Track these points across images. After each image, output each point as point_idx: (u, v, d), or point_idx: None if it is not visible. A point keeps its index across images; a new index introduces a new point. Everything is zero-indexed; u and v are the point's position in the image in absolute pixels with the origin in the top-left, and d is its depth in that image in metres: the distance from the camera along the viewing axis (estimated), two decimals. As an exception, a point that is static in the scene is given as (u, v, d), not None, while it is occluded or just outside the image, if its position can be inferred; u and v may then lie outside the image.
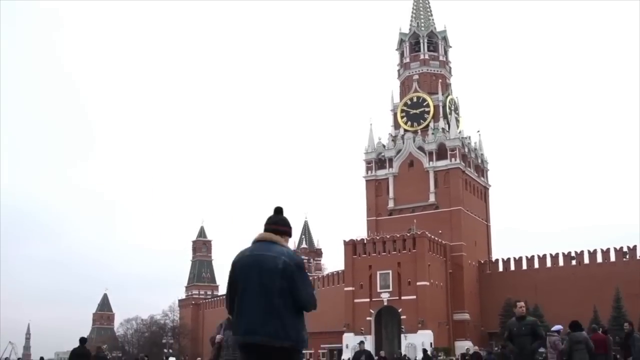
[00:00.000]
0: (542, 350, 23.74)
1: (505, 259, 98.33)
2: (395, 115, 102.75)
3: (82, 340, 22.04)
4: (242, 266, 6.55)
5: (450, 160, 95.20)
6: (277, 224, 6.78)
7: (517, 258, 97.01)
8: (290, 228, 6.86)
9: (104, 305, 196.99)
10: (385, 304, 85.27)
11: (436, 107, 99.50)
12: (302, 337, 6.40)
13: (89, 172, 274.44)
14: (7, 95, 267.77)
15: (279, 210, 6.90)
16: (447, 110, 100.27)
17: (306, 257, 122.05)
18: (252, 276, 6.41)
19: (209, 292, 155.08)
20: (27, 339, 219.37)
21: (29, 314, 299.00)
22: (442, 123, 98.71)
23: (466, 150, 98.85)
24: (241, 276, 6.50)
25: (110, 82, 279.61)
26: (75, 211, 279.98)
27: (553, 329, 18.08)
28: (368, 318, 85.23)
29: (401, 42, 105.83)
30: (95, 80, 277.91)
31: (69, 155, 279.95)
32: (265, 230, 6.73)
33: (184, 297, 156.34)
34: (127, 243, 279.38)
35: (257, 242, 6.64)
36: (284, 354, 6.31)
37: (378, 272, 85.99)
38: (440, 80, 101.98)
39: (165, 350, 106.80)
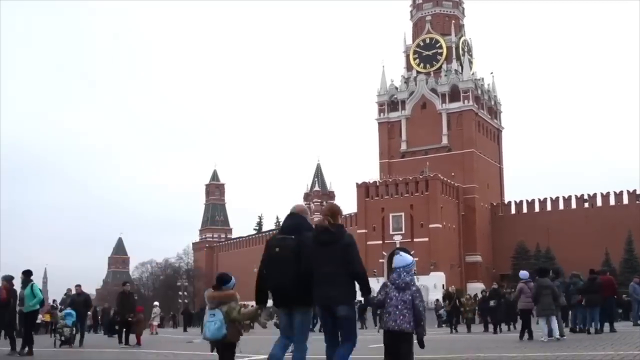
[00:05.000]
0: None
1: (517, 202, 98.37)
2: (407, 56, 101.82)
3: (124, 283, 24.72)
4: None
5: (463, 102, 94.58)
6: None
7: (529, 200, 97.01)
8: None
9: (119, 249, 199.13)
10: (398, 246, 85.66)
11: (449, 49, 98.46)
12: None
13: (105, 112, 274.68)
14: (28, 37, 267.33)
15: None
16: (460, 51, 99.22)
17: (319, 200, 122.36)
18: None
19: (223, 235, 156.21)
20: (44, 283, 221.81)
21: (45, 259, 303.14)
22: (455, 65, 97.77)
23: (479, 92, 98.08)
24: None
25: (135, 29, 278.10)
26: (89, 153, 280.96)
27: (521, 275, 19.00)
28: (380, 260, 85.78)
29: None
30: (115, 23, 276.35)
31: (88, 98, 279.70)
32: None
33: (197, 240, 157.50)
34: (141, 186, 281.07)
35: None
36: None
37: (390, 215, 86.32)
38: (453, 21, 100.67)
39: (180, 293, 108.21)
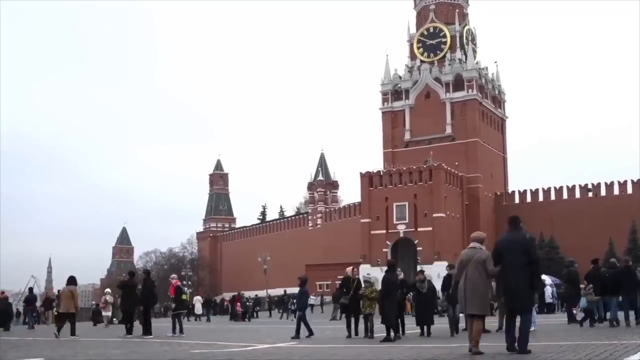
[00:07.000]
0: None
1: (521, 191, 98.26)
2: (411, 46, 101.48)
3: (131, 274, 23.93)
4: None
5: (467, 92, 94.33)
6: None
7: (533, 190, 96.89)
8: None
9: (123, 238, 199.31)
10: (402, 235, 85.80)
11: (453, 38, 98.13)
12: None
13: (110, 101, 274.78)
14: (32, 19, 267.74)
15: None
16: (464, 40, 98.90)
17: (322, 190, 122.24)
18: None
19: (227, 225, 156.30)
20: (49, 272, 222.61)
21: (50, 249, 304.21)
22: (459, 54, 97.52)
23: (483, 81, 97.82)
24: None
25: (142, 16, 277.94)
26: (94, 143, 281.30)
27: None
28: (384, 249, 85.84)
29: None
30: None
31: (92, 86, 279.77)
32: None
33: (201, 229, 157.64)
34: (146, 176, 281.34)
35: None
36: None
37: (394, 204, 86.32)
38: (457, 10, 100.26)
39: (184, 282, 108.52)
